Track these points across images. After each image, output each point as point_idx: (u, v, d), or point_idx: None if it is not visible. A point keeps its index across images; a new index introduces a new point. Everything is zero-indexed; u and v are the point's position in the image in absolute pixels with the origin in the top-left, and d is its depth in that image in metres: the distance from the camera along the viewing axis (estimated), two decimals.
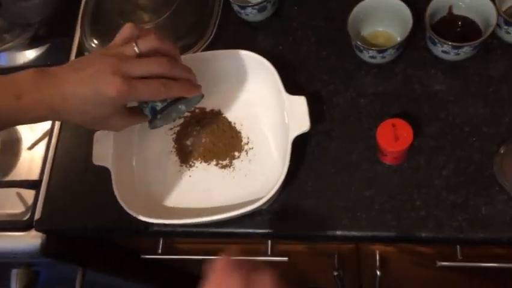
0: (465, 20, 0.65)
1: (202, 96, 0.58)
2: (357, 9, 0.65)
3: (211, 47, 0.72)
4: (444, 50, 0.63)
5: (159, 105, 0.52)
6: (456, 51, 0.62)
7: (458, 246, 0.66)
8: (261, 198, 0.57)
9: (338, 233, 0.60)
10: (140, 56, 0.50)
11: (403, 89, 0.65)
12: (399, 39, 0.65)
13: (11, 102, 0.49)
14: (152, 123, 0.55)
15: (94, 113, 0.50)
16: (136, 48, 0.50)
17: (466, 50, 0.61)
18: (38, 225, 0.69)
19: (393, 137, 0.57)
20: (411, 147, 0.61)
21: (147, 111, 0.54)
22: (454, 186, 0.59)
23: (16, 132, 0.80)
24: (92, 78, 0.48)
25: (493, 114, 0.61)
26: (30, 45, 0.86)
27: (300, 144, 0.61)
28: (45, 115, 0.50)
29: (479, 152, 0.60)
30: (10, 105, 0.49)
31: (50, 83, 0.49)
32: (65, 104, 0.49)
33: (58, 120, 0.54)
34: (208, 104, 0.70)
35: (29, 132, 0.80)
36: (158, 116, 0.54)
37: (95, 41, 0.77)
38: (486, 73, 0.64)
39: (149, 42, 0.51)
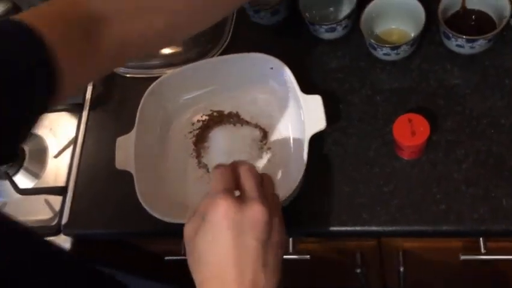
0: (479, 13, 0.65)
1: None
2: (369, 8, 0.65)
3: (227, 51, 0.74)
4: (459, 44, 0.63)
5: None
6: (471, 44, 0.62)
7: (481, 239, 0.66)
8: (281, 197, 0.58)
9: (358, 228, 0.60)
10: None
11: (419, 85, 0.66)
12: (413, 35, 0.65)
13: None
14: None
15: None
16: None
17: (480, 43, 0.61)
18: (66, 230, 0.72)
19: (410, 132, 0.57)
20: (429, 142, 0.61)
21: None
22: (473, 178, 0.59)
23: (43, 142, 0.83)
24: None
25: (511, 106, 0.61)
26: None
27: (317, 143, 0.62)
28: None
29: (498, 144, 0.60)
30: None
31: None
32: None
33: None
34: (225, 106, 0.71)
35: (55, 141, 0.82)
36: None
37: None
38: (502, 65, 0.64)
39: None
